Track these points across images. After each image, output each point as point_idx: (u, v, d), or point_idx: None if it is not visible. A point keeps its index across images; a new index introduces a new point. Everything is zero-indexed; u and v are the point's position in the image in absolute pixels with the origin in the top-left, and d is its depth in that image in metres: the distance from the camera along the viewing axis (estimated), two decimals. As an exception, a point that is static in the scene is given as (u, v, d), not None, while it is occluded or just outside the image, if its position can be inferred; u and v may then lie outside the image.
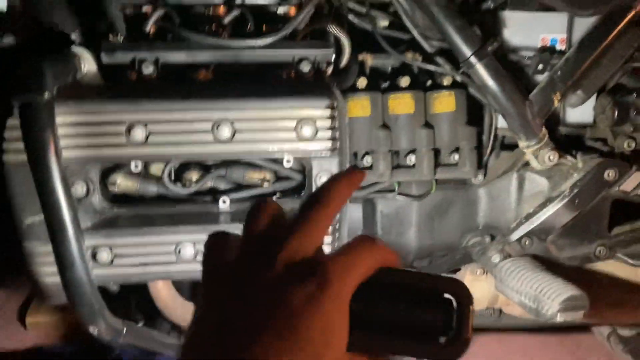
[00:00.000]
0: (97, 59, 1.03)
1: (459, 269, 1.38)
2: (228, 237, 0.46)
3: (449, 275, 0.42)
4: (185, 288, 1.32)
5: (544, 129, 1.19)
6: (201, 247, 1.03)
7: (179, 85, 1.06)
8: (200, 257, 1.03)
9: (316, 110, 1.02)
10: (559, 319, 1.07)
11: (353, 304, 0.40)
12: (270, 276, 0.40)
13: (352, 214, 1.27)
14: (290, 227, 0.43)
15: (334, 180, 0.47)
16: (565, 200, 1.18)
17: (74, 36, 1.02)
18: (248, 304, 0.39)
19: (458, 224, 1.28)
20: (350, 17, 1.24)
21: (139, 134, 0.96)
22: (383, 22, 1.27)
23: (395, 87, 1.23)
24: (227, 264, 0.43)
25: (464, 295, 0.41)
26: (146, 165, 1.08)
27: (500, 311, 1.43)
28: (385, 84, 1.23)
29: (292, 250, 0.41)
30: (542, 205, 1.21)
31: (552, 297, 1.08)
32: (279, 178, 1.14)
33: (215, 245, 0.45)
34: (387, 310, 0.41)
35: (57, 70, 0.88)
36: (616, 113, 1.21)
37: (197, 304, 0.43)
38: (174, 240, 1.01)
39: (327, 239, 1.08)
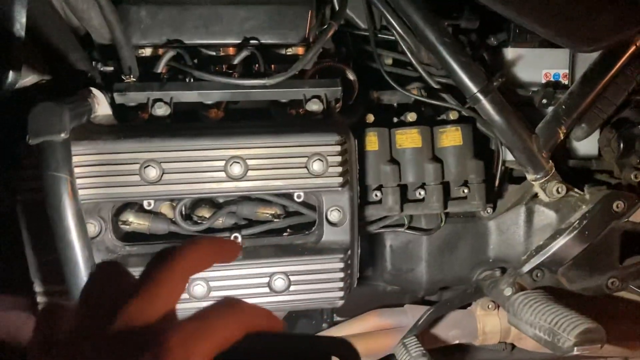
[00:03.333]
0: (110, 99, 1.04)
1: (469, 304, 1.38)
2: (62, 307, 0.40)
3: (331, 335, 0.38)
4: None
5: (550, 161, 1.20)
6: (214, 285, 1.03)
7: (191, 124, 1.07)
8: (213, 295, 1.03)
9: (327, 146, 1.03)
10: (576, 351, 1.06)
11: None
12: (100, 354, 0.34)
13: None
14: (133, 288, 0.37)
15: (199, 241, 0.41)
16: (575, 232, 1.18)
17: (89, 77, 1.04)
18: None
19: (468, 257, 1.28)
20: (356, 55, 1.27)
21: (152, 172, 0.97)
22: (387, 60, 1.30)
23: (402, 123, 1.24)
24: (56, 340, 0.37)
25: (351, 356, 0.37)
26: (157, 204, 1.08)
27: (513, 346, 1.42)
28: (392, 120, 1.25)
29: (130, 317, 0.35)
30: (552, 238, 1.21)
31: (568, 330, 1.07)
32: (289, 213, 1.15)
33: (47, 318, 0.39)
34: None
35: (74, 111, 0.89)
36: (621, 145, 1.22)
37: None
38: (186, 278, 1.01)
39: (338, 275, 1.08)
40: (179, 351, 0.33)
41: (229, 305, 0.37)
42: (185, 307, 1.02)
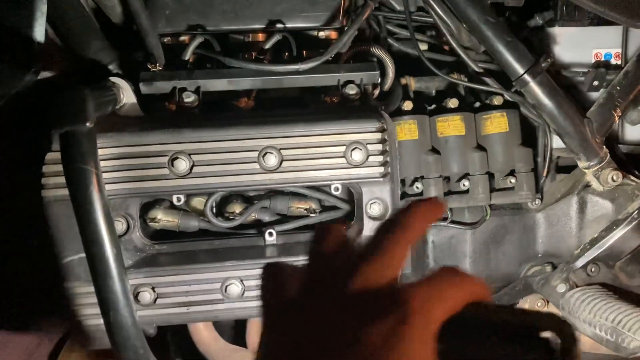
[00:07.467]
0: (136, 90, 0.99)
1: (516, 302, 1.29)
2: (284, 269, 0.42)
3: (548, 311, 0.36)
4: (226, 329, 1.25)
5: (604, 147, 1.12)
6: (249, 284, 0.96)
7: (221, 113, 1.01)
8: (247, 295, 0.96)
9: (366, 134, 0.96)
10: (644, 352, 0.98)
11: (440, 345, 0.34)
12: (342, 310, 0.35)
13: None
14: (363, 254, 0.38)
15: (414, 206, 0.42)
16: (634, 223, 1.09)
17: (112, 67, 0.99)
18: (321, 344, 0.34)
19: (515, 252, 1.20)
20: (390, 40, 1.20)
21: (182, 165, 0.91)
22: (422, 46, 1.22)
23: (441, 110, 1.17)
24: (290, 298, 0.38)
25: (567, 333, 0.35)
26: (186, 200, 1.02)
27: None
28: (430, 107, 1.17)
29: (365, 279, 0.36)
30: (608, 229, 1.12)
31: (634, 329, 0.98)
32: (324, 208, 1.08)
33: (272, 278, 0.41)
34: (481, 351, 0.36)
35: (98, 99, 0.83)
36: (681, 129, 1.13)
37: (261, 340, 0.38)
38: (220, 277, 0.95)
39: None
40: (420, 315, 0.34)
41: (452, 274, 0.37)
42: (219, 309, 0.96)
